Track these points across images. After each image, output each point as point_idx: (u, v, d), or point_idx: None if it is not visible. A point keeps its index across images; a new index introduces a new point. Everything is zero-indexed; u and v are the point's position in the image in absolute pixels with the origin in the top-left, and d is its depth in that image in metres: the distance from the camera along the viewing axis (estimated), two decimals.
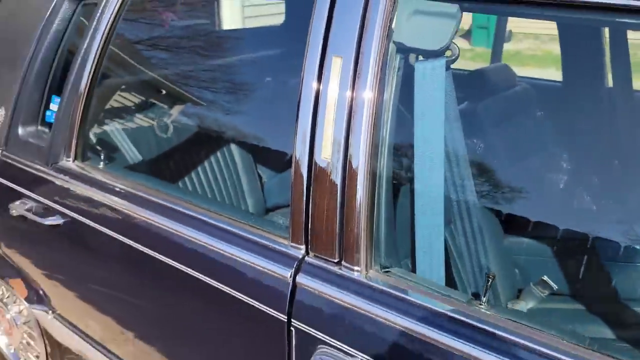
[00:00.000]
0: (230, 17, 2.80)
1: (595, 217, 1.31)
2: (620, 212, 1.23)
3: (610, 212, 1.27)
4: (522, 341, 0.71)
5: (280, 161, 1.64)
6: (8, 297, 1.68)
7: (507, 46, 2.46)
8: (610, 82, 1.45)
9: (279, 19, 2.10)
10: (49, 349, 1.62)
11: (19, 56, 1.41)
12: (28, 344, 1.76)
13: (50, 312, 1.43)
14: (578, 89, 1.52)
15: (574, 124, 1.42)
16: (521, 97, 1.59)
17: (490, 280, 0.79)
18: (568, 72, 1.57)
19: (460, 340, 0.74)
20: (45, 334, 1.57)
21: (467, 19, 4.12)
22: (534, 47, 4.35)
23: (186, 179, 1.53)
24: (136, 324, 1.25)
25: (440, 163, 0.83)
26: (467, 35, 4.67)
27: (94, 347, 1.34)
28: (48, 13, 1.38)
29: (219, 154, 1.55)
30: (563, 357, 0.68)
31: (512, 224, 1.21)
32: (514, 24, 3.36)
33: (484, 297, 0.78)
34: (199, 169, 1.54)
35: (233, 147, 1.56)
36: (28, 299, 1.46)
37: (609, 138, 1.40)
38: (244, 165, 1.57)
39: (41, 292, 1.44)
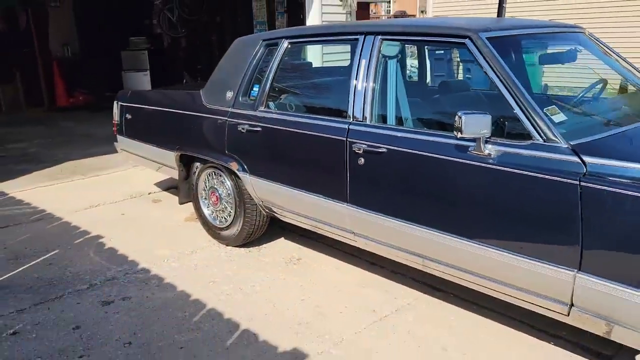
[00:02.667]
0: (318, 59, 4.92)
1: None
2: None
3: None
4: None
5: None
6: (220, 183, 3.68)
7: None
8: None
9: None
10: (238, 204, 3.58)
11: (241, 70, 3.47)
12: (224, 210, 3.74)
13: (248, 174, 3.40)
14: None
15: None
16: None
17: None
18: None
19: None
20: (238, 193, 3.54)
21: None
22: None
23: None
24: (285, 164, 3.18)
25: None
26: None
27: (271, 183, 3.28)
28: (254, 51, 3.44)
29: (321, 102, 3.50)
30: None
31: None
32: None
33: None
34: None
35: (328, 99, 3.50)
36: (237, 170, 3.44)
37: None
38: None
39: (245, 166, 3.42)
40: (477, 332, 2.66)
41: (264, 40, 3.45)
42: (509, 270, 2.26)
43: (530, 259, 2.16)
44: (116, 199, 4.80)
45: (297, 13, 8.29)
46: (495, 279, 2.35)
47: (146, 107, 4.25)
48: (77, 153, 6.36)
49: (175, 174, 4.08)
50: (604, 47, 3.13)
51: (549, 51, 3.17)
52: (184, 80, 9.91)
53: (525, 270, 2.19)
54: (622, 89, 3.01)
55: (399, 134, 2.62)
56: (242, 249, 3.72)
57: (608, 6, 10.92)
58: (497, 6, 5.54)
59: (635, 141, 2.20)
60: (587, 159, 2.02)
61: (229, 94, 3.52)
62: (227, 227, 3.71)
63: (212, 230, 3.85)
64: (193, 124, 3.74)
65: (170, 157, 3.96)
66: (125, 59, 10.00)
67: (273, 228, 3.85)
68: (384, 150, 2.61)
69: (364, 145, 2.69)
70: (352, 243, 3.03)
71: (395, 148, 2.58)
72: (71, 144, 6.91)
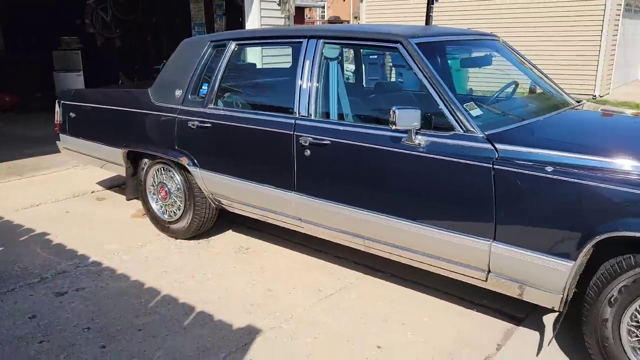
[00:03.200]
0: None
1: None
2: None
3: None
4: None
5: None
6: (169, 178, 3.82)
7: None
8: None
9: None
10: (187, 197, 3.75)
11: (189, 70, 3.64)
12: (173, 204, 3.88)
13: (198, 168, 3.58)
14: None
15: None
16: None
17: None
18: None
19: None
20: (188, 188, 3.71)
21: None
22: None
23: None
24: (236, 157, 3.39)
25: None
26: None
27: (222, 176, 3.48)
28: (202, 52, 3.62)
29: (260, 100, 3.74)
30: None
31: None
32: None
33: None
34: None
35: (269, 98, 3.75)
36: (187, 165, 3.60)
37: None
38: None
39: (196, 160, 3.58)
40: (414, 305, 2.99)
41: (212, 41, 3.65)
42: (438, 244, 2.60)
43: (455, 233, 2.51)
44: (58, 197, 4.79)
45: (236, 16, 8.46)
46: (428, 253, 2.68)
47: (91, 105, 4.30)
48: (10, 154, 6.19)
49: (121, 170, 4.16)
50: (516, 53, 3.58)
51: (468, 56, 3.59)
52: (120, 81, 9.77)
53: (452, 243, 2.54)
54: (531, 90, 3.47)
55: (341, 128, 2.91)
56: (191, 241, 3.88)
57: (519, 18, 11.90)
58: (424, 15, 6.00)
59: (538, 131, 2.61)
60: (498, 145, 2.39)
61: (178, 93, 3.68)
62: (177, 221, 3.86)
63: (161, 225, 3.98)
64: (141, 121, 3.86)
65: (118, 154, 4.05)
66: (56, 59, 9.73)
67: (221, 221, 4.03)
68: (328, 142, 2.89)
69: (309, 138, 2.96)
70: (299, 229, 3.29)
71: (338, 140, 2.87)
72: (1, 146, 6.69)
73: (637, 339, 2.14)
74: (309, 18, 30.52)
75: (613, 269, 2.14)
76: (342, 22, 24.74)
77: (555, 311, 2.50)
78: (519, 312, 2.89)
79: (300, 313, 2.91)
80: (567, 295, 2.28)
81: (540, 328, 2.74)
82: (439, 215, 2.57)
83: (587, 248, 2.13)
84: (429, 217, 2.61)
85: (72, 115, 4.43)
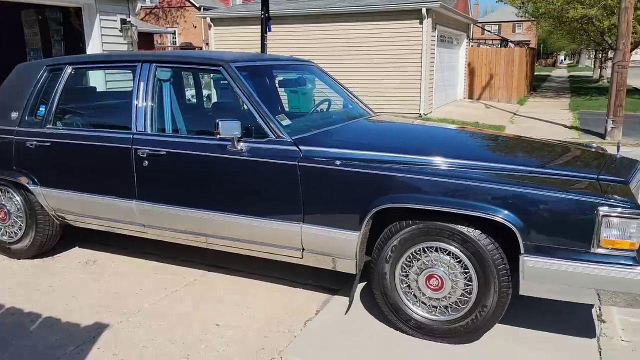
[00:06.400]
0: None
1: None
2: None
3: None
4: None
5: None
6: (8, 199, 3.87)
7: None
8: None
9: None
10: (29, 216, 3.83)
11: (25, 92, 3.77)
12: (14, 224, 3.93)
13: (39, 186, 3.70)
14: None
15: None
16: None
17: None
18: None
19: None
20: (29, 207, 3.80)
21: None
22: None
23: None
24: (78, 173, 3.60)
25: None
26: None
27: (64, 192, 3.65)
28: (38, 75, 3.78)
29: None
30: None
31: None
32: None
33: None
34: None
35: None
36: (27, 184, 3.70)
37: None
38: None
39: (36, 179, 3.71)
40: (249, 290, 3.46)
41: (47, 65, 3.83)
42: (263, 232, 3.12)
43: (275, 221, 3.06)
44: None
45: (75, 41, 8.37)
46: (257, 240, 3.18)
47: None
48: None
49: None
50: (328, 76, 4.32)
51: (285, 77, 4.24)
52: None
53: (274, 229, 3.08)
54: (340, 107, 4.22)
55: (175, 140, 3.33)
56: (35, 259, 3.94)
57: (353, 48, 13.32)
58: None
59: (334, 135, 3.29)
60: (302, 147, 3.00)
61: (14, 114, 3.78)
62: (18, 241, 3.90)
63: (1, 246, 3.98)
64: None
65: None
66: None
67: (67, 239, 4.15)
68: (164, 152, 3.29)
69: (147, 150, 3.32)
70: (144, 235, 3.59)
71: (173, 150, 3.28)
72: None
73: (406, 285, 2.85)
74: (159, 44, 30.12)
75: (387, 234, 2.84)
76: (193, 48, 24.92)
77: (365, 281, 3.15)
78: (336, 285, 3.51)
79: (147, 308, 3.22)
80: (359, 260, 2.93)
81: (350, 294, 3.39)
82: (261, 207, 3.10)
83: (367, 220, 2.80)
84: (254, 209, 3.12)
85: None
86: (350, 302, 3.11)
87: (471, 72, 18.19)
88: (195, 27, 32.01)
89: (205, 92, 7.85)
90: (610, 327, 2.99)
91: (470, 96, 18.26)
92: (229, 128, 3.00)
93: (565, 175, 2.72)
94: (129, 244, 4.06)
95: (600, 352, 2.74)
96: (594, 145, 3.53)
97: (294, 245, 3.07)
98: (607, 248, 2.41)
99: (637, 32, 15.63)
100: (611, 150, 3.39)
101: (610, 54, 13.51)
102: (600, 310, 3.17)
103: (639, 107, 14.95)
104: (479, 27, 30.67)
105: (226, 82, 3.30)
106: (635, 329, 2.97)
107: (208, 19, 14.75)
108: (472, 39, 21.34)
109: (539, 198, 2.51)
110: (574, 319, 3.05)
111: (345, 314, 3.13)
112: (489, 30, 40.06)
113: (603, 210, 2.38)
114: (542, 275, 2.53)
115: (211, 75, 4.61)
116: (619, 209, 2.38)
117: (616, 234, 2.38)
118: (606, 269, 2.41)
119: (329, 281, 3.52)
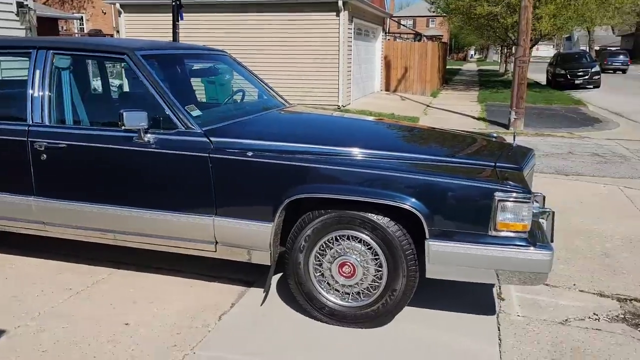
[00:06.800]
0: None
1: None
2: None
3: None
4: None
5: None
6: None
7: None
8: None
9: None
10: None
11: None
12: None
13: None
14: None
15: None
16: None
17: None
18: None
19: None
20: None
21: None
22: None
23: None
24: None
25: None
26: None
27: None
28: None
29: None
30: None
31: None
32: None
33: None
34: None
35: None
36: None
37: None
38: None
39: None
40: (162, 287, 3.35)
41: None
42: (175, 226, 3.03)
43: (186, 214, 2.98)
44: None
45: None
46: (169, 235, 3.08)
47: None
48: None
49: None
50: (243, 67, 4.25)
51: (197, 67, 4.13)
52: None
53: (185, 223, 3.00)
54: (254, 98, 4.18)
55: (76, 131, 3.14)
56: None
57: (273, 40, 13.24)
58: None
59: (246, 126, 3.26)
60: (213, 138, 2.94)
61: None
62: None
63: None
64: None
65: None
66: None
67: None
68: (64, 145, 3.09)
69: (44, 143, 3.10)
70: (45, 234, 3.36)
71: (74, 143, 3.09)
72: None
73: (320, 273, 2.90)
74: (65, 30, 28.24)
75: (300, 224, 2.86)
76: (103, 35, 23.58)
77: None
78: (252, 277, 3.49)
79: (50, 310, 3.03)
80: (273, 251, 2.93)
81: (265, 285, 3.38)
82: (172, 201, 3.01)
83: (280, 211, 2.80)
84: (164, 203, 3.02)
85: None
86: (266, 293, 3.11)
87: (387, 65, 18.71)
88: (105, 13, 30.30)
89: (117, 82, 7.49)
90: (509, 304, 3.21)
91: (387, 89, 18.78)
92: (134, 119, 2.87)
93: (466, 163, 2.88)
94: (28, 243, 3.79)
95: (499, 327, 2.94)
96: (495, 135, 3.76)
97: (207, 238, 3.01)
98: (503, 230, 2.58)
99: (536, 29, 16.80)
100: (520, 141, 3.62)
101: (514, 50, 14.42)
102: (500, 289, 3.39)
103: (539, 100, 16.15)
104: (394, 21, 31.63)
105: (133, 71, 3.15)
106: (530, 304, 3.21)
107: (118, 5, 14.01)
108: (388, 33, 21.95)
109: (442, 186, 2.63)
110: (477, 299, 3.25)
111: (261, 305, 3.12)
112: (404, 25, 41.37)
113: (499, 195, 2.55)
114: (446, 258, 2.66)
115: (120, 64, 4.39)
116: (513, 194, 2.55)
117: (510, 217, 2.55)
118: (502, 250, 2.58)
119: (245, 273, 3.50)
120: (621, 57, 34.14)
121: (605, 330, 2.92)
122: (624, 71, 33.13)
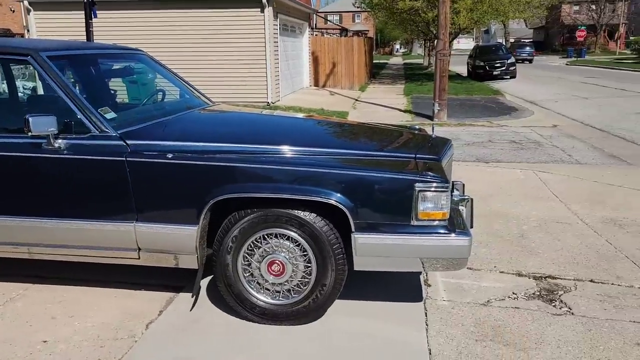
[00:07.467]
0: None
1: None
2: None
3: None
4: None
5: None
6: None
7: None
8: None
9: None
10: None
11: None
12: None
13: None
14: None
15: None
16: None
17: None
18: None
19: None
20: None
21: None
22: None
23: None
24: None
25: None
26: None
27: None
28: None
29: None
30: None
31: None
32: None
33: None
34: None
35: None
36: None
37: None
38: None
39: None
40: (83, 300, 3.19)
41: None
42: (94, 235, 2.88)
43: (105, 222, 2.84)
44: None
45: None
46: (87, 245, 2.93)
47: None
48: None
49: None
50: (162, 66, 4.11)
51: (112, 67, 3.95)
52: None
53: (104, 231, 2.86)
54: (175, 97, 4.05)
55: None
56: None
57: (197, 38, 12.93)
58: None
59: (165, 128, 3.15)
60: (129, 141, 2.82)
61: None
62: None
63: None
64: None
65: None
66: None
67: None
68: None
69: None
70: None
71: None
72: None
73: (249, 273, 2.86)
74: None
75: (227, 225, 2.80)
76: (12, 35, 22.03)
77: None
78: (181, 283, 3.39)
79: None
80: (200, 254, 2.86)
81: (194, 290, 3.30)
82: (89, 209, 2.86)
83: (204, 213, 2.74)
84: (80, 212, 2.87)
85: None
86: (195, 298, 3.03)
87: (315, 61, 18.81)
88: (14, 11, 28.31)
89: (30, 85, 7.01)
90: (435, 290, 3.33)
91: (316, 84, 18.90)
92: (42, 124, 2.70)
93: (389, 156, 2.94)
94: None
95: (426, 312, 3.04)
96: (417, 127, 3.87)
97: (129, 245, 2.89)
98: (424, 220, 2.66)
99: (455, 23, 17.50)
100: (444, 132, 3.75)
101: (435, 43, 14.94)
102: (427, 276, 3.51)
103: (461, 91, 16.85)
104: (321, 17, 31.84)
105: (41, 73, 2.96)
106: (454, 288, 3.34)
107: (26, 3, 13.14)
108: (315, 29, 22.07)
109: (365, 179, 2.67)
110: (405, 287, 3.34)
111: (191, 310, 3.05)
112: (330, 20, 41.79)
113: (419, 186, 2.62)
114: (373, 250, 2.71)
115: (25, 66, 4.10)
116: (433, 184, 2.64)
117: (430, 206, 2.64)
118: (424, 238, 2.67)
119: (172, 279, 3.40)
120: (527, 48, 38.34)
121: (523, 307, 3.10)
122: (530, 61, 36.72)
